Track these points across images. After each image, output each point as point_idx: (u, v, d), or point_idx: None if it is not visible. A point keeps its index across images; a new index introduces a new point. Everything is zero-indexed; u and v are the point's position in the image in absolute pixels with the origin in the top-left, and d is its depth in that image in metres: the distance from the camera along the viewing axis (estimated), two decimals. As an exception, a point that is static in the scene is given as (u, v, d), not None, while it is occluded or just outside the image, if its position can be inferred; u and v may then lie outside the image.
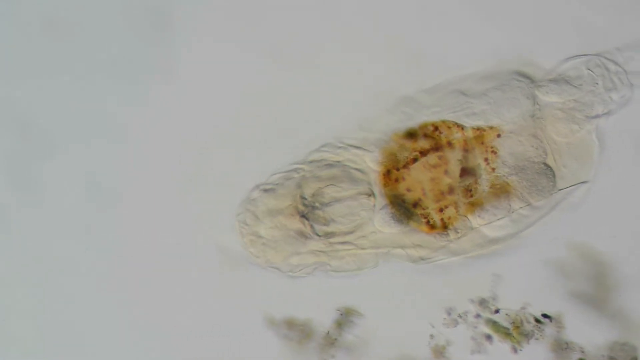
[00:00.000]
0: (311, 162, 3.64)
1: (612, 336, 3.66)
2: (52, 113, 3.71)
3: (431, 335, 3.66)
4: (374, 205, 3.59)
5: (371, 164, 3.62)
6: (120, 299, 3.69)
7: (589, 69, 3.68)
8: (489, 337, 3.68)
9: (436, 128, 3.64)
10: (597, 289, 3.70)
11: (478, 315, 3.68)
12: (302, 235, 3.58)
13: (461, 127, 3.64)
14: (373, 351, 3.66)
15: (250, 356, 3.65)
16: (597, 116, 3.66)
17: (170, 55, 3.70)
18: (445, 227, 3.62)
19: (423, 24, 3.72)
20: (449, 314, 3.67)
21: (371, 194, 3.60)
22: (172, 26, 3.71)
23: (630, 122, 3.69)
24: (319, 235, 3.58)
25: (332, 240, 3.59)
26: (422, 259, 3.62)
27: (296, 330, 3.63)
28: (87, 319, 3.70)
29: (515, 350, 3.68)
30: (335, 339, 3.65)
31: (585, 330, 3.66)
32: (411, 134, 3.63)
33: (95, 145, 3.70)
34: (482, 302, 3.69)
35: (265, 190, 3.62)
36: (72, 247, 3.70)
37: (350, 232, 3.59)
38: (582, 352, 3.65)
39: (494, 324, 3.68)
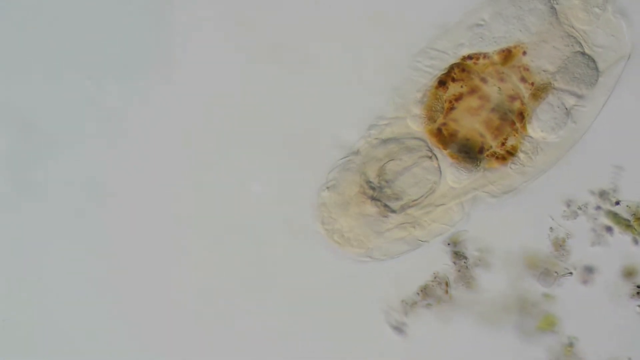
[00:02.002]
0: (362, 149, 3.62)
1: None
2: (52, 113, 3.72)
3: (551, 228, 3.63)
4: (439, 166, 3.58)
5: (415, 126, 3.59)
6: (122, 300, 3.70)
7: None
8: (609, 229, 3.62)
9: (463, 69, 3.56)
10: None
11: (598, 207, 3.62)
12: (381, 215, 3.59)
13: (486, 56, 3.56)
14: (498, 255, 3.63)
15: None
16: None
17: (170, 55, 3.70)
18: (513, 154, 3.57)
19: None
20: (569, 206, 3.63)
21: (432, 156, 3.58)
22: (171, 25, 3.71)
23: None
24: (395, 212, 3.59)
25: (409, 211, 3.59)
26: (504, 192, 3.59)
27: (434, 288, 3.63)
28: (86, 320, 3.72)
29: (636, 242, 3.62)
30: (465, 265, 3.63)
31: None
32: (442, 82, 3.58)
33: (95, 144, 3.71)
34: (603, 194, 3.62)
35: (329, 188, 3.62)
36: (71, 247, 3.70)
37: (426, 197, 3.58)
38: None
39: (614, 216, 3.61)
